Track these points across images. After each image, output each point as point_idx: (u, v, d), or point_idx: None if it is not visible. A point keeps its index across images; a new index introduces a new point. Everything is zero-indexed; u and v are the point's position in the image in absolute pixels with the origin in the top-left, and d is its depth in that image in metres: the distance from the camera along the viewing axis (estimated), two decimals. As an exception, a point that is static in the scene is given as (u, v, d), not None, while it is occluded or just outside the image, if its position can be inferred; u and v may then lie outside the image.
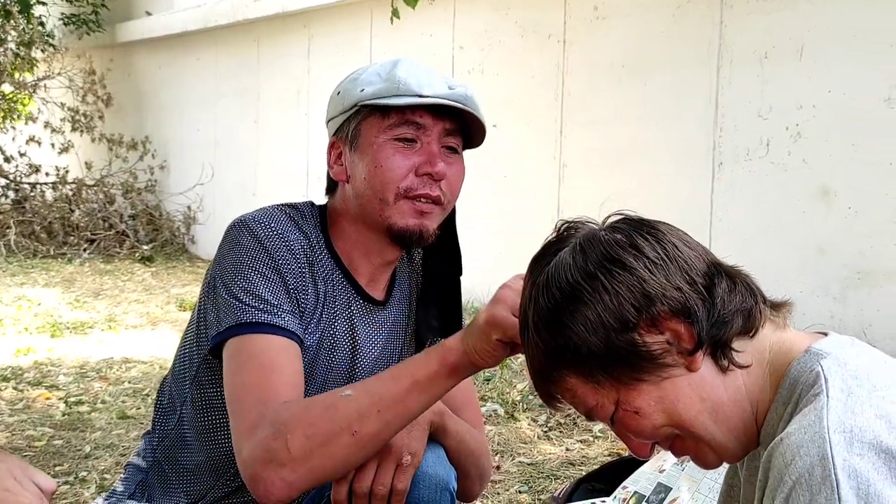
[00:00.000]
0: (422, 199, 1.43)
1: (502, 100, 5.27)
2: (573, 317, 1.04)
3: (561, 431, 3.12)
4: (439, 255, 1.55)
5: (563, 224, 1.14)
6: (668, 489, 2.07)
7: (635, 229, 1.07)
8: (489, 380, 3.73)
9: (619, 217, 1.12)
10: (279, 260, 1.41)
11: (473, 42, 5.49)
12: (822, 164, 3.90)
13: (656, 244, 1.05)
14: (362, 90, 1.43)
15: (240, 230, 1.43)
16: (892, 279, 3.69)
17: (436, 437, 1.44)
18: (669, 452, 1.18)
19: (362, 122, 1.44)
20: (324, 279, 1.47)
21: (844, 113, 3.81)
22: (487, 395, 3.54)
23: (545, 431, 3.12)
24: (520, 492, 2.62)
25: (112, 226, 8.29)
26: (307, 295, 1.44)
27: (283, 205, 1.51)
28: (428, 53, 5.71)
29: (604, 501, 2.10)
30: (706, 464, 1.13)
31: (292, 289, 1.41)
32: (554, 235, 1.14)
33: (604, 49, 4.78)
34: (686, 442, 1.10)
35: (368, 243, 1.49)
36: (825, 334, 1.11)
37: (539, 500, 2.49)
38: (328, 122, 1.52)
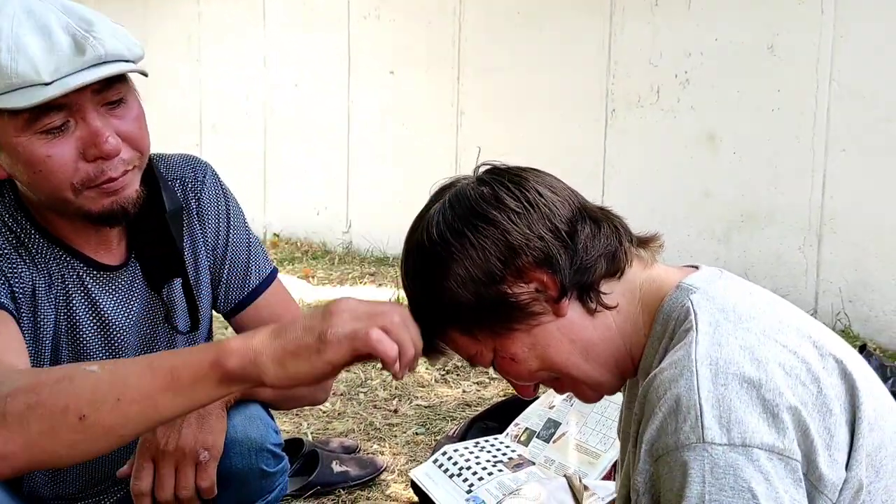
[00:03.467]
0: (108, 182, 1.24)
1: (399, 46, 5.21)
2: (444, 273, 1.06)
3: (458, 374, 3.16)
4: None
5: (437, 186, 1.15)
6: (557, 424, 2.14)
7: (499, 180, 1.09)
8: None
9: (486, 167, 1.13)
10: None
11: (369, -14, 5.40)
12: (708, 111, 4.02)
13: (519, 193, 1.07)
14: None
15: None
16: (772, 222, 3.86)
17: (246, 401, 1.36)
18: (557, 391, 1.23)
19: None
20: (43, 260, 1.33)
21: (730, 60, 3.92)
22: (386, 341, 3.56)
23: (442, 375, 3.16)
24: (416, 433, 2.66)
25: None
26: (21, 278, 1.29)
27: None
28: (323, -2, 5.59)
29: (496, 438, 2.15)
30: (586, 399, 1.18)
31: None
32: (431, 197, 1.15)
33: (500, -5, 4.77)
34: (564, 382, 1.15)
35: (74, 224, 1.33)
36: (696, 267, 1.15)
37: (435, 440, 2.53)
38: None
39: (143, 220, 1.38)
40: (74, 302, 1.35)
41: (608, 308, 1.09)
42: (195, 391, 0.99)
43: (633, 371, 1.14)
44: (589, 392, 1.16)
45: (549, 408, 2.17)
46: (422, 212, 1.13)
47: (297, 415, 2.78)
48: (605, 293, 1.09)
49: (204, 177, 1.49)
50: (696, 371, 0.96)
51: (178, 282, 1.46)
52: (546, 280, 1.06)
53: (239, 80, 6.11)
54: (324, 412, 2.82)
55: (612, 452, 1.99)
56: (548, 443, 2.11)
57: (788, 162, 3.79)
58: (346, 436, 2.64)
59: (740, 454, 0.91)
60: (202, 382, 0.98)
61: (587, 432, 2.08)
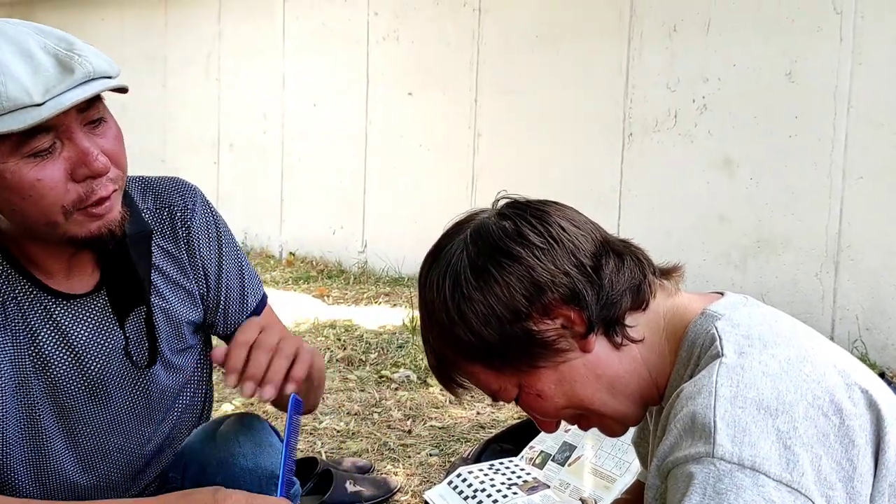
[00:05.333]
0: (97, 204, 1.21)
1: (417, 68, 5.25)
2: (467, 310, 1.05)
3: (472, 396, 3.15)
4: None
5: (454, 221, 1.13)
6: (573, 447, 2.13)
7: (521, 215, 1.08)
8: (402, 347, 3.74)
9: (506, 201, 1.12)
10: None
11: (389, 8, 5.44)
12: (725, 136, 4.02)
13: (542, 229, 1.06)
14: None
15: None
16: (789, 248, 3.85)
17: (257, 425, 1.39)
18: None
19: None
20: (5, 293, 1.27)
21: (747, 86, 3.93)
22: (400, 361, 3.56)
23: (457, 396, 3.15)
24: (430, 455, 2.65)
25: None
26: None
27: None
28: (342, 19, 5.64)
29: (511, 461, 2.15)
30: (612, 433, 1.17)
31: None
32: (447, 229, 1.13)
33: (518, 18, 4.80)
34: (590, 418, 1.14)
35: (50, 249, 1.27)
36: (721, 294, 1.15)
37: (449, 461, 2.52)
38: None
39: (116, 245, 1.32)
40: (42, 337, 1.30)
41: (634, 342, 1.08)
42: None
43: (659, 398, 1.13)
44: (615, 426, 1.15)
45: (565, 431, 2.17)
46: (439, 246, 1.11)
47: (311, 434, 2.78)
48: (630, 326, 1.08)
49: (194, 204, 1.46)
50: (716, 391, 0.95)
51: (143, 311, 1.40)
52: (573, 316, 1.05)
53: (257, 100, 6.16)
54: (338, 431, 2.82)
55: (628, 477, 1.98)
56: (563, 466, 2.10)
57: (805, 188, 3.78)
58: (359, 455, 2.63)
59: (748, 476, 0.90)
60: None
61: (603, 456, 2.08)
